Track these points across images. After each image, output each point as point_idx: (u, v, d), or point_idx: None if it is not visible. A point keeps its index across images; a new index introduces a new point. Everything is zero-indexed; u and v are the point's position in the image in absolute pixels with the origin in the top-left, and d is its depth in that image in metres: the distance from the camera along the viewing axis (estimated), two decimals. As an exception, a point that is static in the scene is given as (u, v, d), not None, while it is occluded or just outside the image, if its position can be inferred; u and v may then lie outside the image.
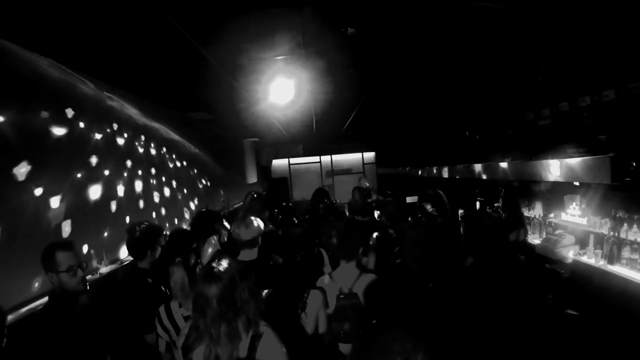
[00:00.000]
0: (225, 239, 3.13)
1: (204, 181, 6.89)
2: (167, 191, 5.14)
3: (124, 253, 3.78)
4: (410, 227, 3.68)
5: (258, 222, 2.49)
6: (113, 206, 3.77)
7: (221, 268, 1.56)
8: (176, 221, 5.31)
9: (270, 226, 3.59)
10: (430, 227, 3.26)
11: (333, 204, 5.18)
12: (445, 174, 7.52)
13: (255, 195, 4.04)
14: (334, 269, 2.44)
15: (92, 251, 3.33)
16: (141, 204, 4.34)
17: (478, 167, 6.01)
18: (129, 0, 2.32)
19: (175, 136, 5.73)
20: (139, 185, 4.33)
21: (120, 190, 3.93)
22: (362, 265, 2.40)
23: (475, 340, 1.99)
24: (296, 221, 3.62)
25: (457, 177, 6.93)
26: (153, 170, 4.75)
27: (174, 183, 5.41)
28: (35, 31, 2.61)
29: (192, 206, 6.06)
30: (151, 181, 4.67)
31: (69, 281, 1.96)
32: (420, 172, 9.06)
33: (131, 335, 2.29)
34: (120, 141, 4.05)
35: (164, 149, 5.25)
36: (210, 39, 3.03)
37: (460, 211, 5.77)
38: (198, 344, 1.52)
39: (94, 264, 3.32)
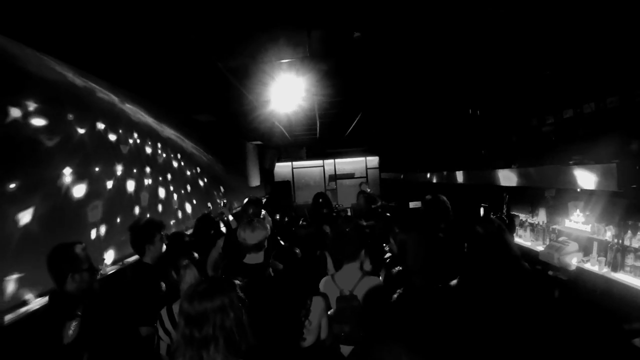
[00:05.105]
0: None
1: (204, 183, 6.90)
2: (168, 194, 5.15)
3: (118, 254, 3.72)
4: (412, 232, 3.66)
5: (264, 226, 2.48)
6: (110, 208, 3.72)
7: (204, 290, 1.47)
8: (173, 223, 5.32)
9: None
10: (430, 233, 3.25)
11: (335, 209, 5.17)
12: (449, 179, 7.49)
13: (254, 201, 4.05)
14: (336, 270, 2.45)
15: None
16: (138, 207, 4.32)
17: (482, 173, 5.99)
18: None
19: (178, 139, 5.75)
20: (140, 188, 4.33)
21: (122, 192, 3.94)
22: (364, 269, 2.41)
23: (475, 349, 1.98)
24: (301, 223, 3.61)
25: (461, 183, 6.91)
26: (148, 170, 4.75)
27: (175, 185, 5.42)
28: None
29: (193, 208, 6.07)
30: (150, 182, 4.69)
31: (88, 279, 2.03)
32: (424, 178, 9.03)
33: (128, 326, 2.32)
34: (128, 144, 4.07)
35: (168, 151, 5.27)
36: (218, 44, 3.06)
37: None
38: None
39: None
